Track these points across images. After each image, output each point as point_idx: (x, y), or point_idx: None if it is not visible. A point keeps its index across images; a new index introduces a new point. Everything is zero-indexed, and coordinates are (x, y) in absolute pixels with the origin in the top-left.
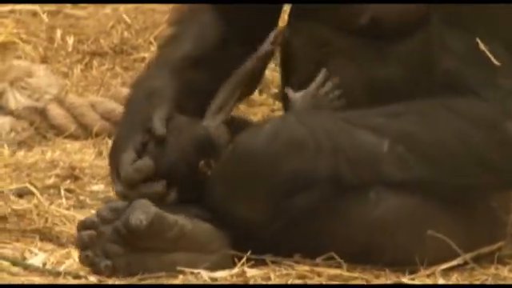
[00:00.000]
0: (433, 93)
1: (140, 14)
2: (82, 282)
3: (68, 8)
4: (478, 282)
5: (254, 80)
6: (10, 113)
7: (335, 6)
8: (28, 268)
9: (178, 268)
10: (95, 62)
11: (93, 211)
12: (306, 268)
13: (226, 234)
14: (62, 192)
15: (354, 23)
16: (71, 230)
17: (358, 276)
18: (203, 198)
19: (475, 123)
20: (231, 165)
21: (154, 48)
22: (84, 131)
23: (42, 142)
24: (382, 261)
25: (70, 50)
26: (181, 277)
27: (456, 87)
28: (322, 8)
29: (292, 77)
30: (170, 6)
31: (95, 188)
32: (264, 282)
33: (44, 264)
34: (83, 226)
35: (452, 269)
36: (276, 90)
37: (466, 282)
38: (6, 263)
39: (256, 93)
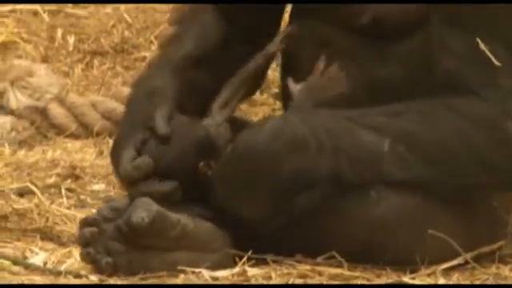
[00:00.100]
0: (433, 93)
1: (141, 14)
2: (83, 281)
3: (69, 7)
4: (478, 282)
5: (258, 79)
6: (11, 112)
7: (336, 6)
8: (29, 267)
9: (179, 267)
10: (96, 62)
11: (94, 210)
12: (307, 267)
13: (227, 234)
14: (63, 191)
15: (354, 23)
16: (72, 229)
17: (359, 275)
18: (205, 197)
19: (475, 123)
20: (232, 163)
21: (154, 47)
22: (85, 130)
23: (43, 142)
24: (383, 260)
25: (70, 49)
26: (182, 276)
27: (456, 87)
28: (323, 8)
29: (292, 76)
30: (171, 5)
31: (96, 187)
32: (265, 282)
33: (45, 263)
34: (85, 223)
35: (453, 268)
36: (277, 90)
37: (467, 282)
38: (6, 262)
39: (257, 92)
